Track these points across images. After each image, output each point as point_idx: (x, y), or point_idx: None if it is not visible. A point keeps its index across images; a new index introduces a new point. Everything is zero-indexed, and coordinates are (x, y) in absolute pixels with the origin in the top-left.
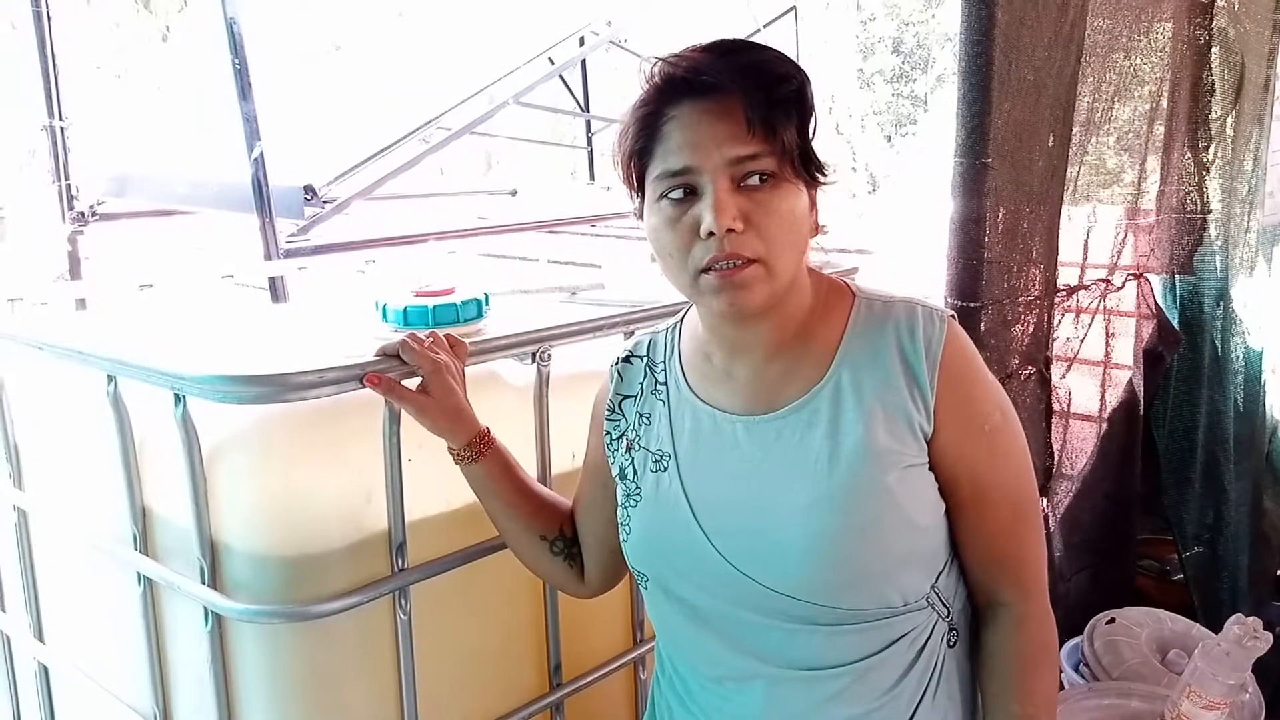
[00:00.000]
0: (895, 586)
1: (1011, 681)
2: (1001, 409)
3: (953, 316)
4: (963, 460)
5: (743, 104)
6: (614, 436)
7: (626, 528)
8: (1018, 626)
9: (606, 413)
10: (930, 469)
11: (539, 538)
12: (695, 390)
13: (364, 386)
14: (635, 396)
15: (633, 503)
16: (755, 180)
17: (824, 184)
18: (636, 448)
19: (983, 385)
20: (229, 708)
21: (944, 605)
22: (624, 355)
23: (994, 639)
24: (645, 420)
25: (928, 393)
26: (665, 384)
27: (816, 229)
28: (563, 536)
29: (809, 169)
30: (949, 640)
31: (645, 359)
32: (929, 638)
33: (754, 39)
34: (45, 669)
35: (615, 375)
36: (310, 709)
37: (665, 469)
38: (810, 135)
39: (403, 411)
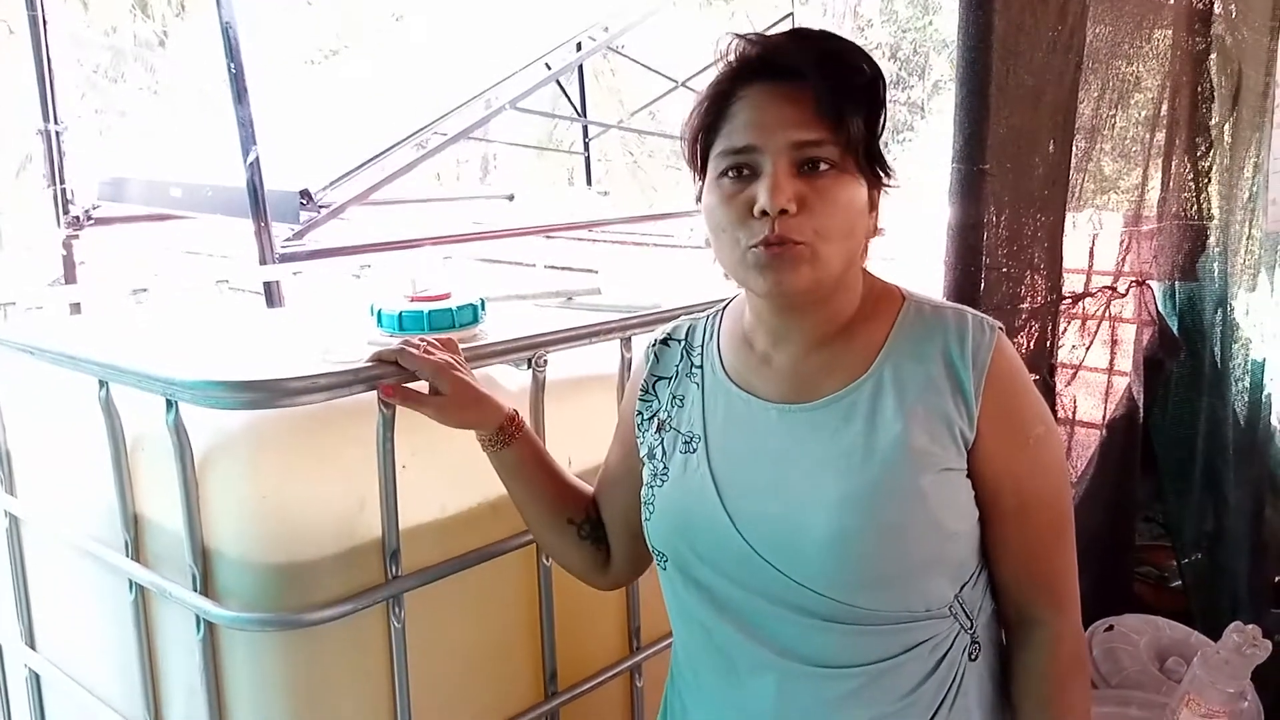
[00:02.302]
0: (918, 591)
1: (1047, 699)
2: (1045, 423)
3: (1001, 329)
4: (1008, 471)
5: (814, 90)
6: (645, 417)
7: (650, 506)
8: (1052, 643)
9: (640, 393)
10: (969, 476)
11: (566, 521)
12: (731, 376)
13: (363, 391)
14: (670, 378)
15: (659, 482)
16: (817, 167)
17: (887, 186)
18: (667, 428)
19: (1029, 397)
20: (220, 715)
21: (967, 617)
22: (661, 338)
23: (1028, 656)
24: (678, 402)
25: (972, 400)
26: (701, 367)
27: (875, 231)
28: (589, 519)
29: (873, 165)
30: (970, 653)
31: (683, 343)
32: (949, 648)
33: None
34: (36, 676)
35: (651, 357)
36: (302, 717)
37: (694, 450)
38: (879, 132)
39: (396, 419)
